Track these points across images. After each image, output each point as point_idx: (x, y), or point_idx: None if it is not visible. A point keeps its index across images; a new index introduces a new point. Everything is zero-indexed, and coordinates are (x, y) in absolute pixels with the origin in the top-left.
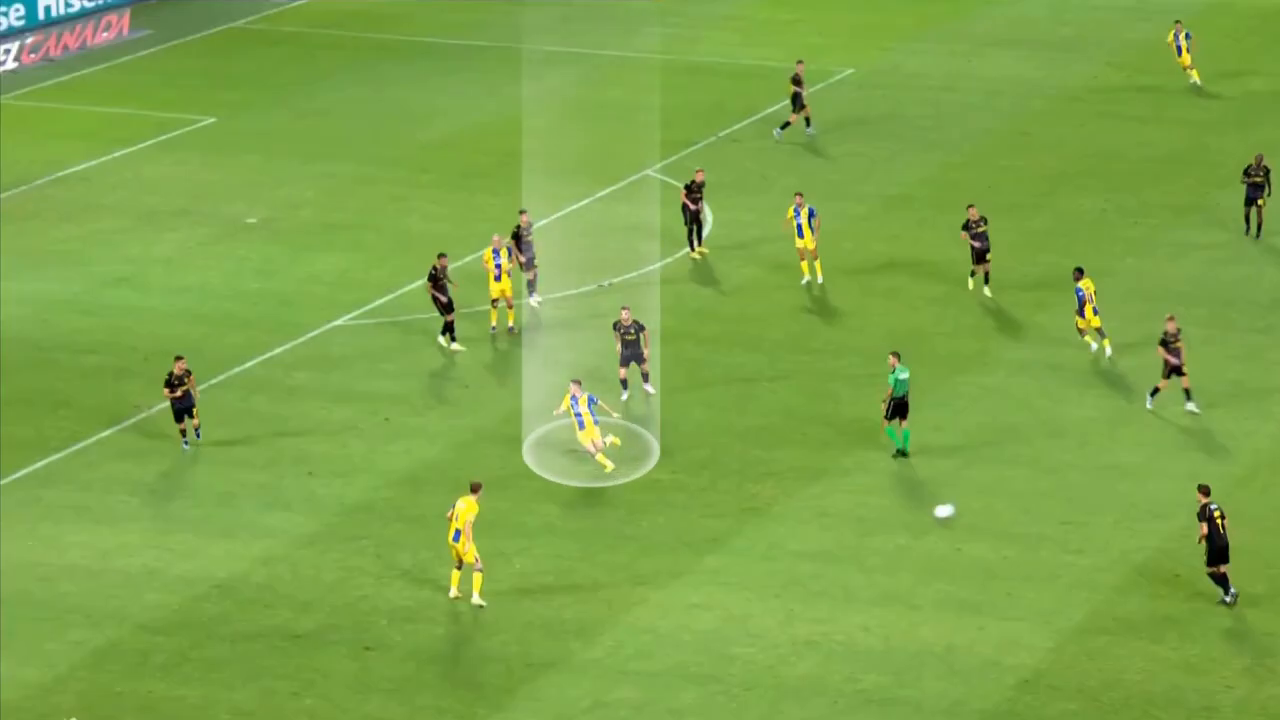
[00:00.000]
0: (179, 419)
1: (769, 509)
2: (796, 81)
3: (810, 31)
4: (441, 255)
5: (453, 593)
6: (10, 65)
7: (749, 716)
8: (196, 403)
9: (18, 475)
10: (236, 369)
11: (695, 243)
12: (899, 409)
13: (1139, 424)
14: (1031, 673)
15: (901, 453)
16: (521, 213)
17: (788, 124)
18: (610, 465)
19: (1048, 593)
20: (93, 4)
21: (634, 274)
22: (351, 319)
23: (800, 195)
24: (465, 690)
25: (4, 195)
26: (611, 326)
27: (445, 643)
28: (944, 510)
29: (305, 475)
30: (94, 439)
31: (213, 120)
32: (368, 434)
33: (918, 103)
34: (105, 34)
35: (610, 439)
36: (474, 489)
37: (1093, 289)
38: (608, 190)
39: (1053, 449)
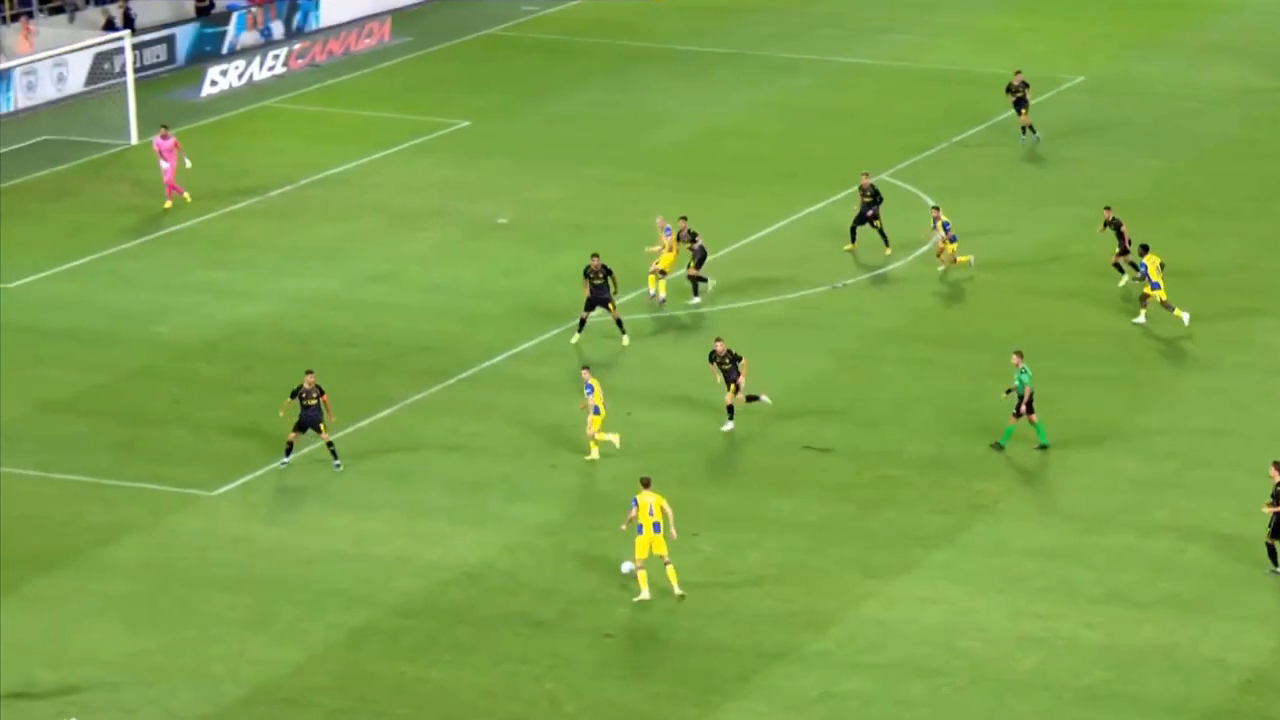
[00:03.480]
0: (301, 429)
1: (995, 506)
2: (1012, 90)
3: (1041, 39)
4: (595, 255)
5: (645, 594)
6: (279, 70)
7: (975, 710)
8: (324, 420)
9: (279, 463)
10: (485, 363)
11: (884, 241)
12: (1028, 405)
13: None
14: (1254, 673)
15: (1042, 447)
16: (681, 219)
17: (1028, 127)
18: (616, 440)
19: (1270, 594)
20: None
21: (865, 276)
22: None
23: (937, 209)
24: (699, 678)
25: (271, 194)
26: (708, 359)
27: (680, 631)
28: (627, 566)
29: (549, 468)
30: (351, 429)
31: (466, 124)
32: (608, 427)
33: (1146, 109)
34: (367, 40)
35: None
36: (645, 484)
37: (1157, 263)
38: (841, 195)
39: (1274, 451)
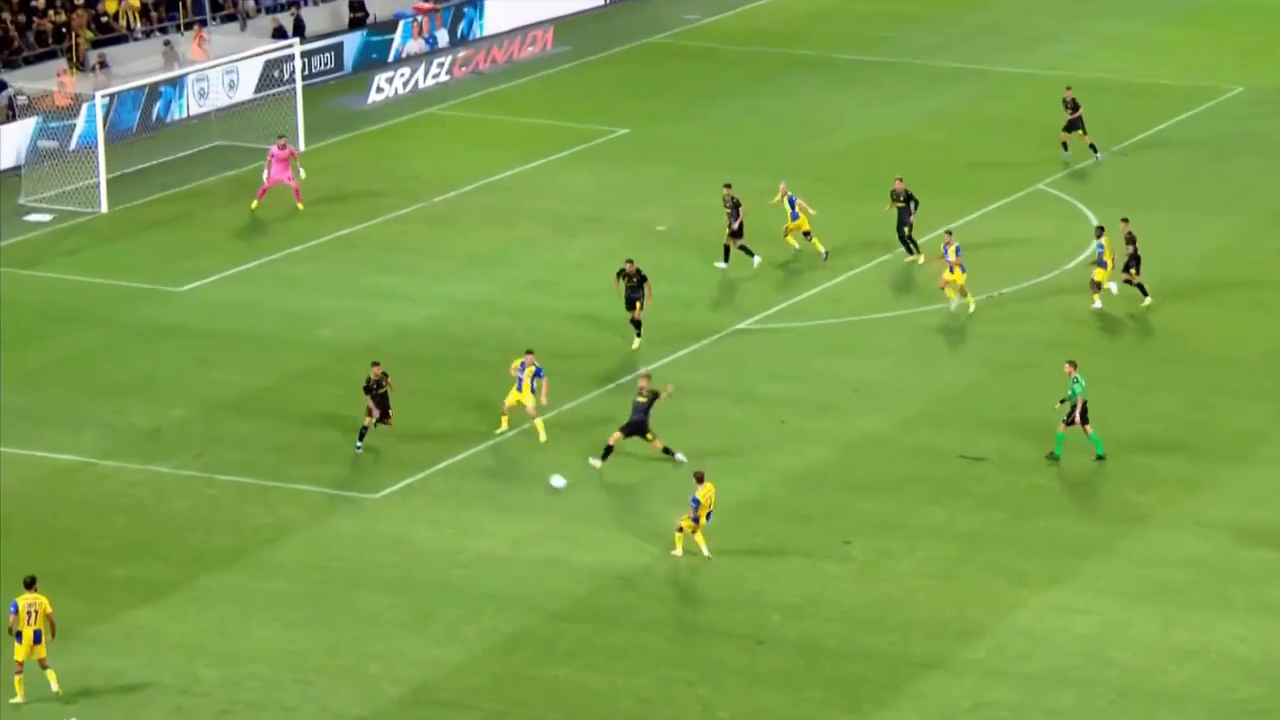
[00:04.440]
0: (380, 419)
1: (1149, 517)
2: (1071, 106)
3: (1200, 49)
4: (629, 261)
5: (677, 551)
6: (443, 78)
7: None
8: (392, 408)
9: (440, 466)
10: (642, 370)
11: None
12: (1081, 415)
13: None
14: None
15: (1100, 457)
16: (726, 186)
17: (1092, 146)
18: (544, 436)
19: None
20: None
21: (1025, 284)
22: (753, 323)
23: (950, 234)
24: (850, 685)
25: (435, 200)
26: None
27: (832, 639)
28: (558, 481)
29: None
30: (511, 432)
31: (627, 131)
32: (763, 435)
33: None
34: (530, 49)
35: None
36: (699, 478)
37: (1110, 246)
38: (1000, 203)
39: None
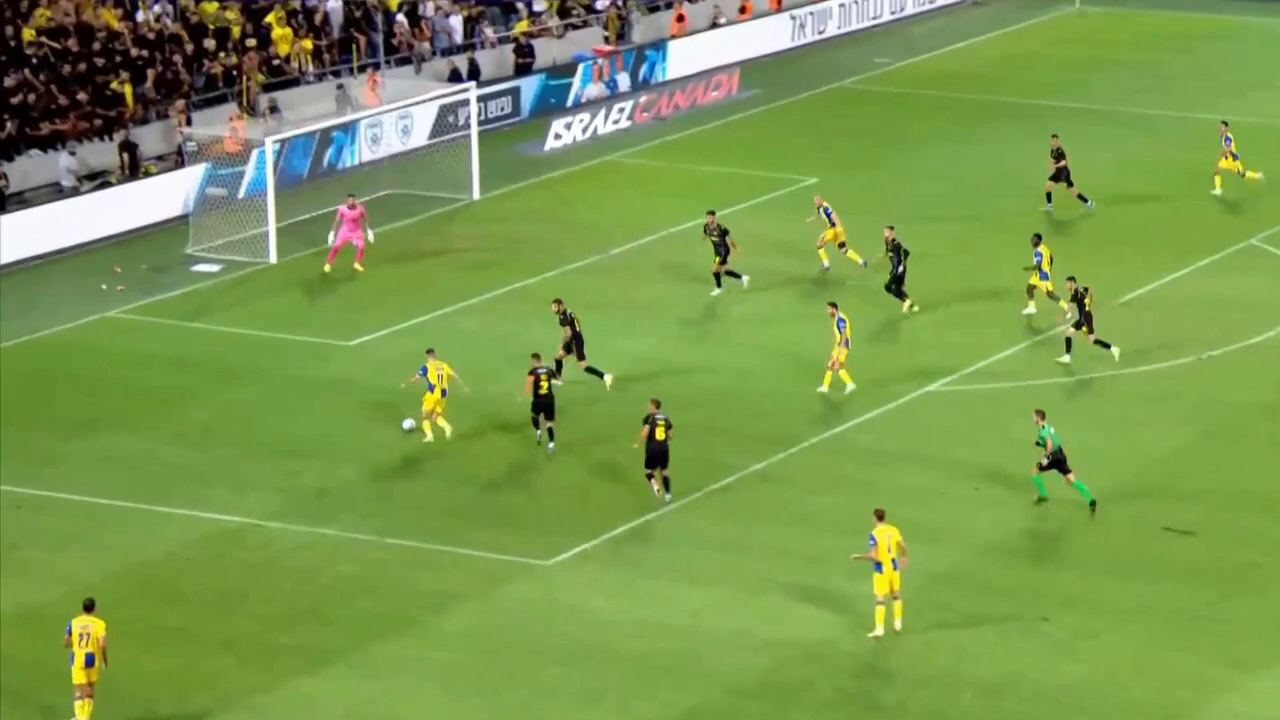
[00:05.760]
0: (548, 415)
1: None
2: (1056, 156)
3: None
4: (710, 212)
5: (879, 630)
6: (623, 124)
7: None
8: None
9: (616, 532)
10: (828, 431)
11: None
12: (1056, 462)
13: None
14: None
15: (1092, 504)
16: (710, 214)
17: (1080, 196)
18: (429, 437)
19: None
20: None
21: (1235, 346)
22: (945, 384)
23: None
24: None
25: (612, 252)
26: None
27: None
28: (408, 423)
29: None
30: (688, 499)
31: (814, 180)
32: (955, 501)
33: None
34: (714, 93)
35: (445, 427)
36: (880, 516)
37: (1048, 255)
38: (1208, 260)
39: None
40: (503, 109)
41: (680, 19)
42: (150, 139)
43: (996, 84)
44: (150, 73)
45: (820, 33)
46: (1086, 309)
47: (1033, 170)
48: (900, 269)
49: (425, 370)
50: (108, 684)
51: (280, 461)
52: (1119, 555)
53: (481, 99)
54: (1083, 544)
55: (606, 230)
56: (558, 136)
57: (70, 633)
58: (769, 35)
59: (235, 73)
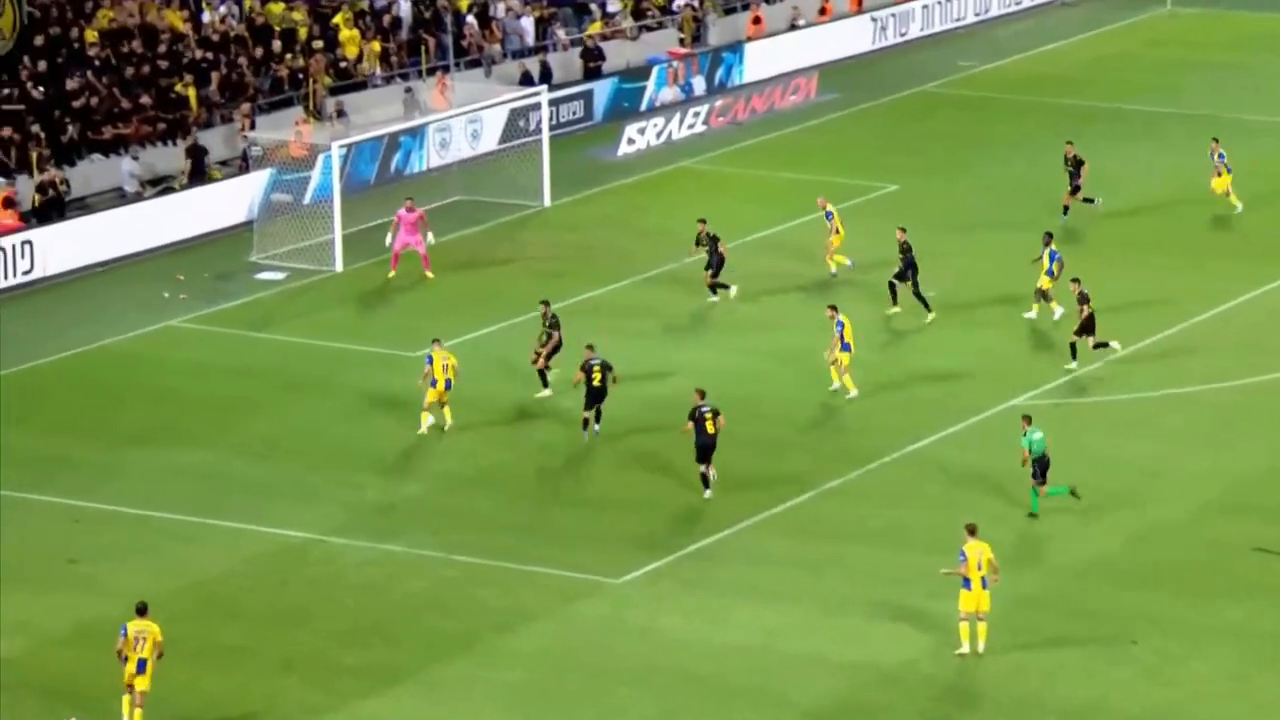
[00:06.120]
0: (589, 407)
1: None
2: (1070, 163)
3: None
4: (701, 220)
5: (965, 648)
6: (699, 128)
7: None
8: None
9: (689, 549)
10: (909, 447)
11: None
12: (1042, 470)
13: None
14: None
15: (1032, 515)
16: (700, 222)
17: (1068, 207)
18: (423, 429)
19: None
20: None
21: None
22: (1028, 399)
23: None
24: None
25: (686, 261)
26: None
27: None
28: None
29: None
30: (763, 514)
31: (895, 187)
32: (1041, 521)
33: None
34: (792, 97)
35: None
36: (971, 531)
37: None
38: None
39: None
40: (575, 113)
41: (757, 20)
42: (214, 143)
43: (1086, 87)
44: (215, 75)
45: (902, 35)
46: (1088, 312)
47: (1123, 177)
48: (910, 271)
49: (430, 360)
50: (165, 703)
51: (344, 475)
52: (1208, 576)
53: (553, 103)
54: (1171, 565)
55: (680, 238)
56: (631, 142)
57: (125, 636)
58: (849, 37)
59: (301, 75)
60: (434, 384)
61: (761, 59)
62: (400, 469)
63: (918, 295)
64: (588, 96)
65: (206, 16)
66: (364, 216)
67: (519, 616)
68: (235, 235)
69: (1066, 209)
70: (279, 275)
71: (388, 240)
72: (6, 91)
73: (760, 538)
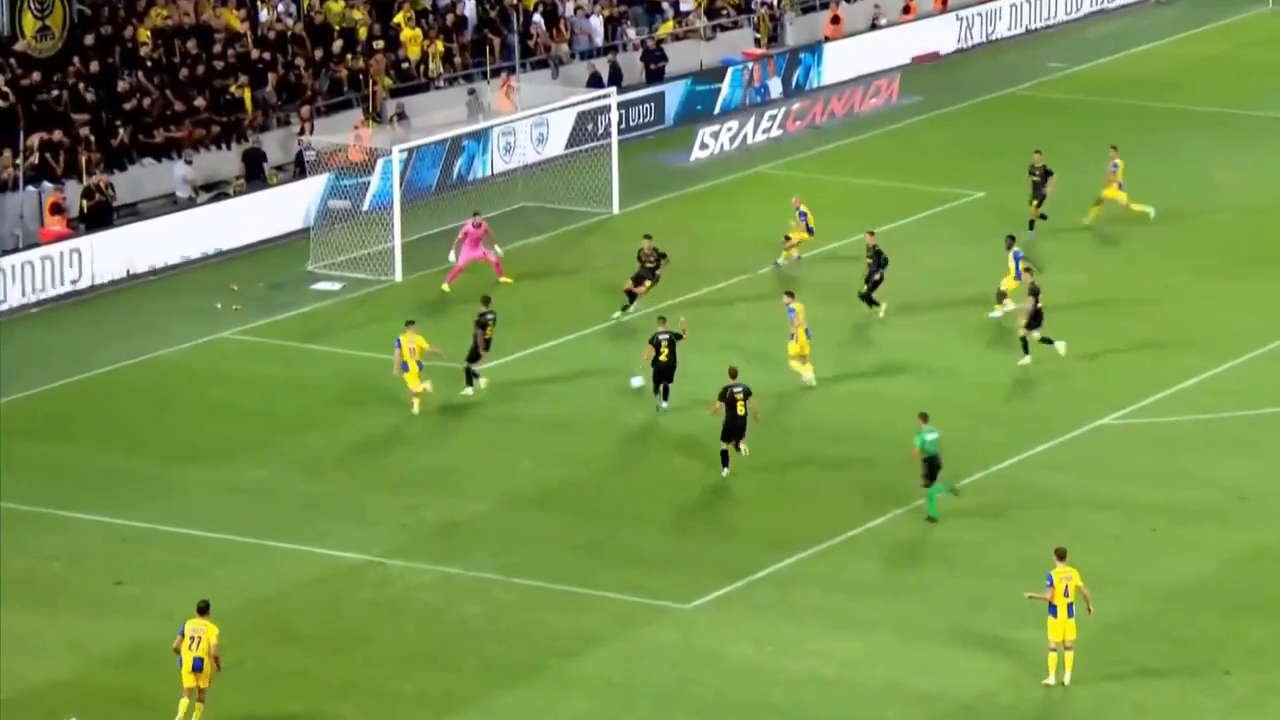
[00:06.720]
0: (668, 380)
1: None
2: (1037, 173)
3: None
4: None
5: (1051, 679)
6: (775, 132)
7: None
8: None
9: (761, 574)
10: (993, 467)
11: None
12: (931, 470)
13: None
14: None
15: (930, 519)
16: (646, 237)
17: (1035, 220)
18: (417, 406)
19: None
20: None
21: None
22: (1120, 417)
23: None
24: None
25: (761, 271)
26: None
27: None
28: (637, 381)
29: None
30: (840, 538)
31: (981, 194)
32: (1129, 544)
33: None
34: (873, 100)
35: (426, 385)
36: (1060, 555)
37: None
38: None
39: None
40: (645, 116)
41: (836, 20)
42: (270, 147)
43: (1182, 90)
44: (271, 76)
45: (989, 35)
46: (1038, 306)
47: (1222, 185)
48: (877, 276)
49: (399, 343)
50: None
51: (403, 494)
52: None
53: (623, 105)
54: (1267, 591)
55: (755, 247)
56: (704, 146)
57: (182, 635)
58: (933, 37)
59: (361, 77)
60: (405, 367)
61: (841, 60)
62: (460, 488)
63: (867, 297)
64: (659, 99)
65: (263, 15)
66: (425, 224)
67: (583, 642)
68: (291, 243)
69: (1032, 224)
70: (336, 285)
71: (451, 256)
72: (55, 93)
73: (836, 562)
